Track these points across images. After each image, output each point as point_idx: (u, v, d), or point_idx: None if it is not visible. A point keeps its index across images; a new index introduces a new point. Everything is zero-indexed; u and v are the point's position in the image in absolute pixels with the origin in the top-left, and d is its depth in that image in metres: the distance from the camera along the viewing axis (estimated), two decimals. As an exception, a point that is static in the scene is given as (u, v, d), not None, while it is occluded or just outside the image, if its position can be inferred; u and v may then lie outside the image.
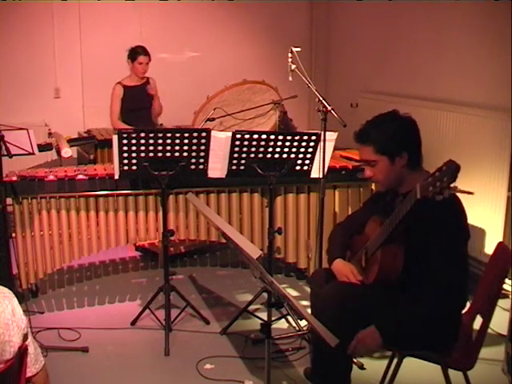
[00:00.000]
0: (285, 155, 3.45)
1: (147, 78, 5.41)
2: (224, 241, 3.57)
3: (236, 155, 3.44)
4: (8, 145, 3.39)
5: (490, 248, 4.11)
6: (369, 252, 2.65)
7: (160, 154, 3.39)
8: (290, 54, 3.60)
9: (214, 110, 4.37)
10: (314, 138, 3.43)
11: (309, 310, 2.72)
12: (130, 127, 5.08)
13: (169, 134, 3.35)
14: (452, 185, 2.14)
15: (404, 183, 2.55)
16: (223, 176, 3.55)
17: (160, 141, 3.34)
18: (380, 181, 2.59)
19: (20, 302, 1.79)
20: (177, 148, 3.39)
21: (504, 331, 3.37)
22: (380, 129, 2.52)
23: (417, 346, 2.50)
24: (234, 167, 3.49)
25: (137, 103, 5.36)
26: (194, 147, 3.43)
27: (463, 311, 2.55)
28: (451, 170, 2.15)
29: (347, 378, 2.67)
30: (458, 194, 2.39)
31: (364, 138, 2.54)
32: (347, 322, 2.48)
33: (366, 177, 2.63)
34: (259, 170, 3.44)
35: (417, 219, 2.39)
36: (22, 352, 1.87)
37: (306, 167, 3.55)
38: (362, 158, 2.60)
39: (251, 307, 3.83)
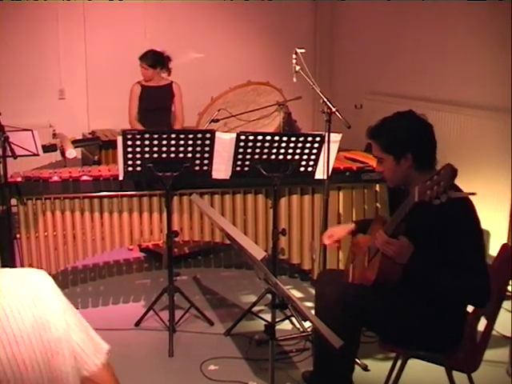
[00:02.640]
0: (289, 156, 3.45)
1: (171, 82, 5.39)
2: (228, 242, 3.57)
3: (240, 156, 3.43)
4: (13, 146, 3.39)
5: (494, 250, 4.09)
6: (371, 253, 2.64)
7: (164, 155, 3.39)
8: (294, 56, 3.60)
9: (219, 111, 4.38)
10: (318, 139, 3.43)
11: (313, 312, 2.72)
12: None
13: (173, 135, 3.35)
14: (448, 190, 2.14)
15: (412, 182, 2.50)
16: (227, 177, 3.54)
17: (164, 142, 3.35)
18: (387, 178, 2.63)
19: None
20: (181, 149, 3.40)
21: (508, 333, 3.37)
22: (389, 128, 2.54)
23: (421, 347, 2.50)
24: (238, 168, 3.49)
25: (153, 103, 5.33)
26: (199, 148, 3.43)
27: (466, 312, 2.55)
28: (448, 174, 2.13)
29: (349, 379, 2.66)
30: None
31: (373, 134, 2.58)
32: (350, 323, 2.48)
33: (377, 171, 2.67)
34: (263, 172, 3.44)
35: (419, 222, 2.39)
36: None
37: (310, 168, 3.54)
38: (373, 153, 2.65)
39: (255, 308, 3.83)
